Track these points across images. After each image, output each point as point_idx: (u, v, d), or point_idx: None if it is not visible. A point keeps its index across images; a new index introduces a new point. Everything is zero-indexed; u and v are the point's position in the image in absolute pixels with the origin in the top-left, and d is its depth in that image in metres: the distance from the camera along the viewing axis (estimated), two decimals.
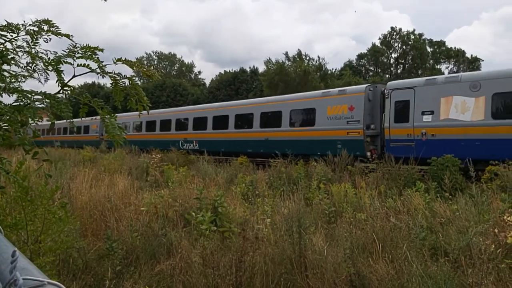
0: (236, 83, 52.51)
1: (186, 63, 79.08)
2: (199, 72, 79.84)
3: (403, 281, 3.61)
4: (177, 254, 4.52)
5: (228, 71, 58.00)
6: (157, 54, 76.87)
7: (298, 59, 42.81)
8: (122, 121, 21.29)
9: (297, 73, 40.72)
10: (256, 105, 18.00)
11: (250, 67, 55.36)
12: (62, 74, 2.54)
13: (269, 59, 44.94)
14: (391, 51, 58.18)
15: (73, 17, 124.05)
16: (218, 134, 19.15)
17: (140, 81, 47.02)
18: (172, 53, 78.88)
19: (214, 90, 54.49)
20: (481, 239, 4.02)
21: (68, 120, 2.48)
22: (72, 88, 2.58)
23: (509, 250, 4.32)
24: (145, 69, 2.72)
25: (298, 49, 45.63)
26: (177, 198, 6.58)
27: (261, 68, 50.55)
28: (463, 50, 55.94)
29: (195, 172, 11.97)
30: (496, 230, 4.56)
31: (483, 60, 55.43)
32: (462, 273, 3.87)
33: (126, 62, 2.60)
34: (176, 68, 77.90)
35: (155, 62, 75.95)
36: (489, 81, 10.91)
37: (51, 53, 2.62)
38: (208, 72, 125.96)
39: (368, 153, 12.96)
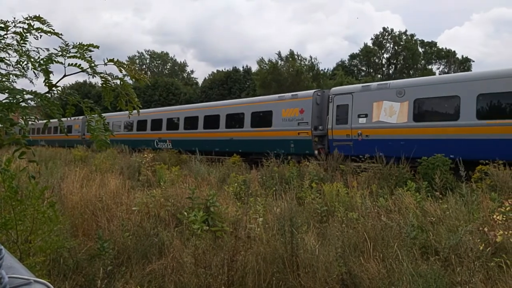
0: (229, 83, 52.39)
1: (179, 62, 78.97)
2: (192, 71, 79.96)
3: (393, 280, 3.64)
4: (168, 254, 4.50)
5: (221, 70, 57.95)
6: (149, 53, 76.53)
7: (290, 58, 42.80)
8: None
9: (289, 72, 40.78)
10: (222, 107, 19.21)
11: (243, 67, 55.36)
12: (50, 74, 2.51)
13: (262, 58, 44.94)
14: (383, 51, 58.45)
15: (64, 16, 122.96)
16: (189, 134, 20.29)
17: (132, 80, 46.56)
18: (165, 52, 78.70)
19: (206, 90, 54.28)
20: (471, 238, 4.07)
21: (59, 121, 2.47)
22: (62, 88, 2.56)
23: (498, 249, 4.38)
24: (134, 72, 2.70)
25: (290, 49, 45.53)
26: (169, 197, 6.55)
27: (254, 68, 50.52)
28: (454, 51, 56.50)
29: (187, 171, 11.94)
30: (486, 229, 4.62)
31: (473, 61, 55.98)
32: (452, 271, 3.91)
33: (117, 63, 2.58)
34: (168, 67, 77.55)
35: (147, 61, 75.63)
36: (411, 88, 12.32)
37: (42, 50, 2.59)
38: (200, 71, 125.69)
39: (316, 152, 14.22)
